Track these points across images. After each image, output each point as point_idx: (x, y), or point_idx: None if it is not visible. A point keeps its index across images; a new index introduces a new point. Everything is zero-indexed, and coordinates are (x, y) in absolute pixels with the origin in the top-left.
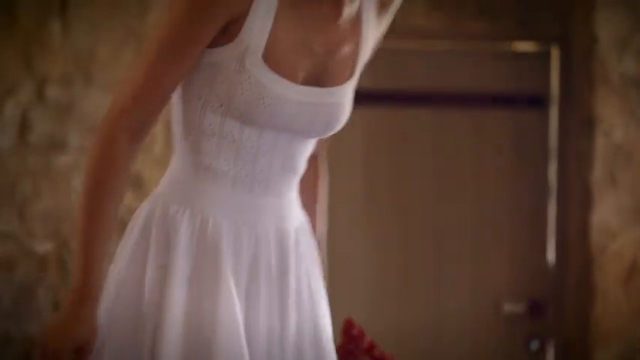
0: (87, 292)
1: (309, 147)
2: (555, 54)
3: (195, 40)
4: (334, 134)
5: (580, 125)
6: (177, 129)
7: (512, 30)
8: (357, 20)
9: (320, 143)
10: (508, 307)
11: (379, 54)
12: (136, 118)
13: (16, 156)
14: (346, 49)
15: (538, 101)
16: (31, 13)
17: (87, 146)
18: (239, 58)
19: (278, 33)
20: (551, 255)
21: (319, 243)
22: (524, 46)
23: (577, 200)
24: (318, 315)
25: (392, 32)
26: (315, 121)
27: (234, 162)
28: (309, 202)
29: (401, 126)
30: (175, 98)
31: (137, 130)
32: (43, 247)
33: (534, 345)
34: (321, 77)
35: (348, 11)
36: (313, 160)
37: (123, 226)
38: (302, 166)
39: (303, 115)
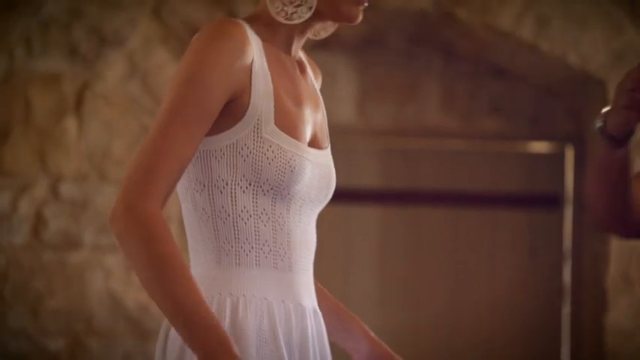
0: (223, 349)
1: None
2: (570, 154)
3: (201, 118)
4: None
5: (595, 226)
6: (201, 223)
7: (526, 130)
8: (313, 85)
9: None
10: None
11: (394, 153)
12: (160, 186)
13: (30, 252)
14: (320, 112)
15: (552, 201)
16: (47, 110)
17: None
18: (255, 132)
19: (279, 99)
20: (565, 357)
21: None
22: (539, 147)
23: (591, 301)
24: None
25: (406, 131)
26: (324, 185)
27: (273, 242)
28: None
29: (415, 225)
30: (196, 192)
31: (162, 197)
32: (56, 344)
33: None
34: (316, 139)
35: (308, 74)
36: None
37: None
38: (315, 241)
39: (318, 179)
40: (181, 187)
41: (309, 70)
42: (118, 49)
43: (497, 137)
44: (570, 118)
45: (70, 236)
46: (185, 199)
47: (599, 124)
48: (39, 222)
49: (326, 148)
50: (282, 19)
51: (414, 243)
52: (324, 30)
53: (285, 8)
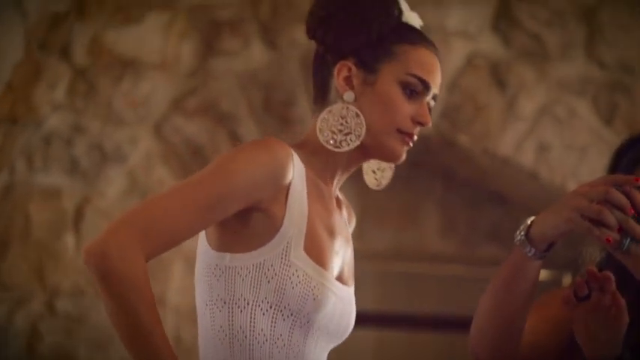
0: None
1: None
2: (567, 281)
3: (215, 209)
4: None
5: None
6: (217, 342)
7: None
8: (345, 223)
9: None
10: None
11: (395, 276)
12: (148, 246)
13: None
14: (350, 250)
15: None
16: (46, 225)
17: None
18: (283, 254)
19: (311, 225)
20: None
21: None
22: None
23: None
24: None
25: (406, 255)
26: (344, 322)
27: None
28: None
29: (412, 349)
30: (216, 308)
31: (145, 255)
32: None
33: None
34: (343, 274)
35: (343, 211)
36: None
37: None
38: None
39: (340, 314)
40: (201, 301)
41: (344, 208)
42: (118, 166)
43: (496, 263)
44: (568, 246)
45: (64, 351)
46: (204, 314)
47: (522, 232)
48: (34, 336)
49: (351, 286)
50: (331, 147)
51: None
52: (383, 176)
53: (335, 136)
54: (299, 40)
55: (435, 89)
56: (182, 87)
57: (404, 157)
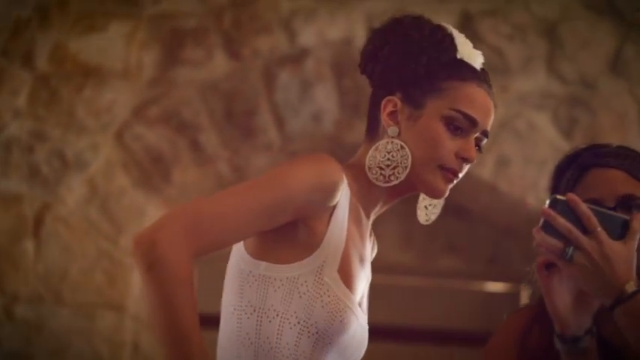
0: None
1: None
2: (525, 294)
3: (265, 217)
4: None
5: None
6: (241, 348)
7: (482, 269)
8: (369, 253)
9: None
10: None
11: None
12: (199, 245)
13: None
14: (367, 278)
15: None
16: (5, 231)
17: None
18: (317, 272)
19: (347, 250)
20: None
21: None
22: (495, 286)
23: None
24: None
25: None
26: (359, 347)
27: None
28: None
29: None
30: (244, 314)
31: (194, 253)
32: None
33: None
34: (362, 302)
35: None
36: None
37: None
38: None
39: (358, 339)
40: (229, 305)
41: (372, 237)
42: (79, 173)
43: (454, 275)
44: (526, 260)
45: (22, 358)
46: (230, 319)
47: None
48: None
49: (366, 314)
50: (381, 184)
51: None
52: (432, 212)
53: (383, 172)
54: (261, 51)
55: (483, 125)
56: (144, 95)
57: (446, 193)
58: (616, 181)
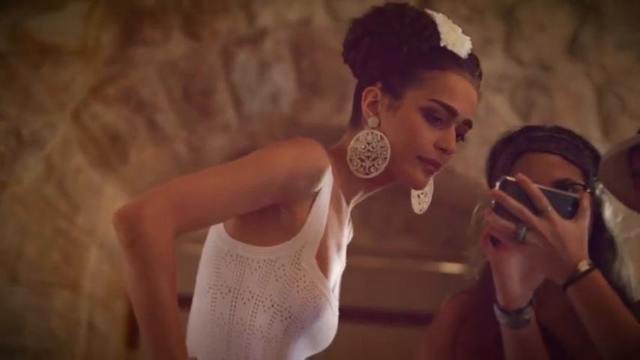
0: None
1: None
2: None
3: (248, 198)
4: None
5: None
6: (215, 328)
7: (439, 251)
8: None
9: None
10: None
11: None
12: (182, 221)
13: None
14: (342, 264)
15: None
16: None
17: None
18: (295, 257)
19: (326, 237)
20: None
21: None
22: (451, 267)
23: None
24: None
25: None
26: (329, 334)
27: None
28: None
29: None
30: (219, 293)
31: (176, 229)
32: None
33: None
34: (335, 288)
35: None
36: None
37: None
38: None
39: (329, 326)
40: (204, 284)
41: (350, 224)
42: (36, 152)
43: (411, 256)
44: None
45: None
46: (204, 297)
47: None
48: None
49: (337, 300)
50: (362, 175)
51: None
52: (424, 200)
53: (363, 164)
54: (220, 31)
55: (464, 115)
56: (102, 74)
57: (425, 184)
58: (551, 166)
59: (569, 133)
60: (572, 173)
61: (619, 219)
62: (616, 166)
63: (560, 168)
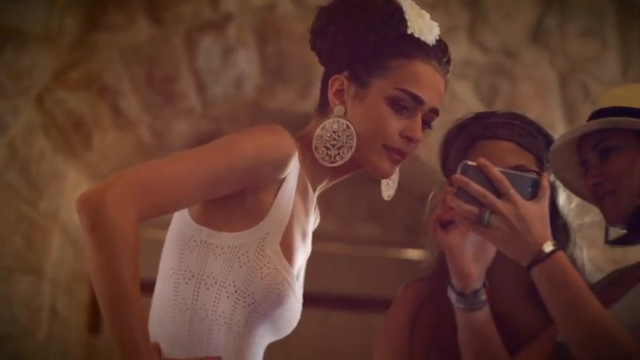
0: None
1: None
2: None
3: (214, 184)
4: None
5: None
6: (177, 313)
7: (402, 237)
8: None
9: None
10: None
11: None
12: (145, 206)
13: None
14: (307, 251)
15: None
16: None
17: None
18: (260, 243)
19: (291, 224)
20: None
21: None
22: (414, 253)
23: None
24: None
25: None
26: (291, 321)
27: (235, 358)
28: None
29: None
30: (182, 279)
31: (139, 215)
32: None
33: None
34: (299, 275)
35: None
36: None
37: None
38: None
39: (291, 313)
40: (167, 268)
41: (316, 210)
42: None
43: (374, 242)
44: None
45: None
46: (167, 283)
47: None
48: None
49: (301, 287)
50: (327, 164)
51: (282, 345)
52: (392, 186)
53: (329, 152)
54: (184, 16)
55: (430, 103)
56: (65, 59)
57: (391, 173)
58: (505, 153)
59: (523, 119)
60: (525, 159)
61: (573, 205)
62: (566, 154)
63: (514, 154)
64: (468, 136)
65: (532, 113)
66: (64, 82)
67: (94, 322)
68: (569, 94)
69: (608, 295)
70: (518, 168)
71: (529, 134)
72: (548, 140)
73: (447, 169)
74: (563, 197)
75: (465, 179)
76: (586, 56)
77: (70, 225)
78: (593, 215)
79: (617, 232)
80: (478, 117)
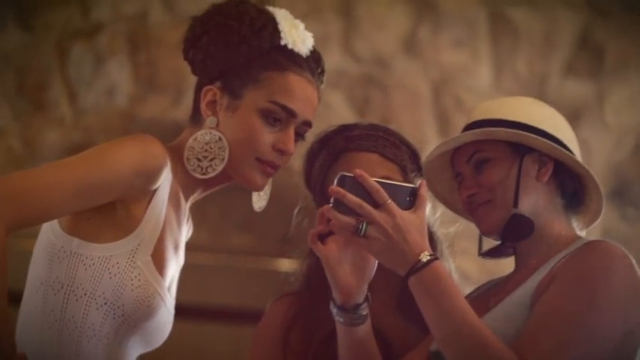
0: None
1: None
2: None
3: (85, 195)
4: None
5: None
6: (45, 326)
7: (276, 248)
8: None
9: None
10: None
11: None
12: (16, 218)
13: None
14: (180, 262)
15: None
16: None
17: None
18: (131, 255)
19: (162, 236)
20: None
21: None
22: (288, 264)
23: None
24: None
25: None
26: (164, 332)
27: None
28: None
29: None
30: (51, 290)
31: (9, 226)
32: None
33: None
34: (171, 287)
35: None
36: None
37: None
38: None
39: (162, 324)
40: (35, 279)
41: (189, 221)
42: None
43: (247, 253)
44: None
45: None
46: (35, 294)
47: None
48: None
49: (173, 298)
50: (199, 175)
51: (154, 356)
52: (263, 197)
53: (201, 164)
54: (55, 24)
55: (303, 116)
56: None
57: (263, 187)
58: (370, 165)
59: (386, 130)
60: (391, 170)
61: (438, 214)
62: (439, 167)
63: (380, 166)
64: (332, 148)
65: (405, 124)
66: None
67: None
68: (442, 104)
69: (482, 305)
70: (384, 179)
71: (393, 145)
72: (411, 150)
73: (312, 183)
74: (428, 207)
75: (342, 190)
76: (458, 66)
77: None
78: (458, 225)
79: (490, 243)
80: (341, 130)
